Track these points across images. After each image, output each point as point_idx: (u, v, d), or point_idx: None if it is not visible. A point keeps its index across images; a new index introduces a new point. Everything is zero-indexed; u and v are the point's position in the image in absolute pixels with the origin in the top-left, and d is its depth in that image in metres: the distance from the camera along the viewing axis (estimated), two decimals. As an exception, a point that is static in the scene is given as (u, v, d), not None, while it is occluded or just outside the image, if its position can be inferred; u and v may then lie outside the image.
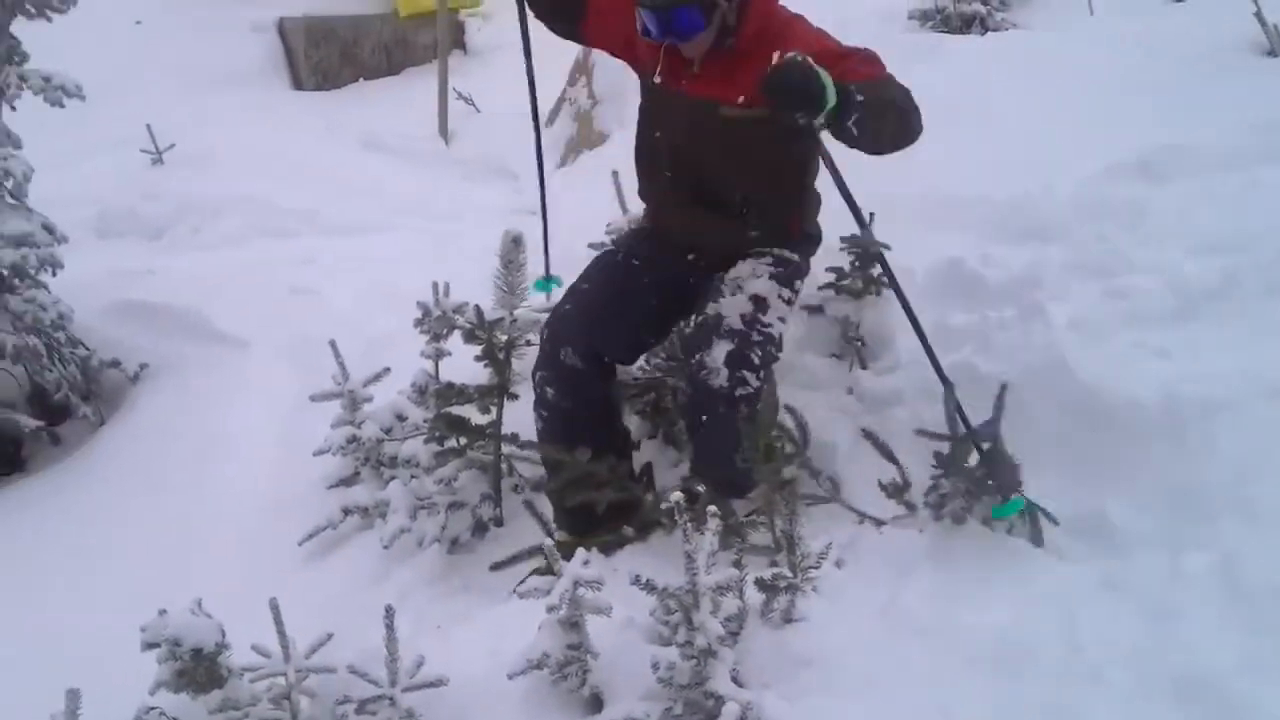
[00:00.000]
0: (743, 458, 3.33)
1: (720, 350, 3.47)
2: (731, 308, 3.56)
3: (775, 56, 3.05)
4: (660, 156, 3.77)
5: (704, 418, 3.55)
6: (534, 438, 3.88)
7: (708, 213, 3.75)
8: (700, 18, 3.41)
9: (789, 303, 3.70)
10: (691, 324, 3.76)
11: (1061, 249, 4.13)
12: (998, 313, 3.84)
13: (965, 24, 8.02)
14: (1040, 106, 5.33)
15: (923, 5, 8.30)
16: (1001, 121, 5.21)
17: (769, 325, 3.57)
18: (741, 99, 3.43)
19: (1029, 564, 2.99)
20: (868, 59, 3.42)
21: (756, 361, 3.48)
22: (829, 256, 4.15)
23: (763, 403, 3.45)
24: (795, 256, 3.80)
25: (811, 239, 3.96)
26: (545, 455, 3.79)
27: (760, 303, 3.57)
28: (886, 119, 3.24)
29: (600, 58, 8.30)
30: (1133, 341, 3.57)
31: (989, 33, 7.75)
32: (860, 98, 3.09)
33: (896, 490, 3.19)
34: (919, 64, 6.29)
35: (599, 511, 3.61)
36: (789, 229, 3.83)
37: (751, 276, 3.64)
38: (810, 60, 3.02)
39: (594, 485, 3.58)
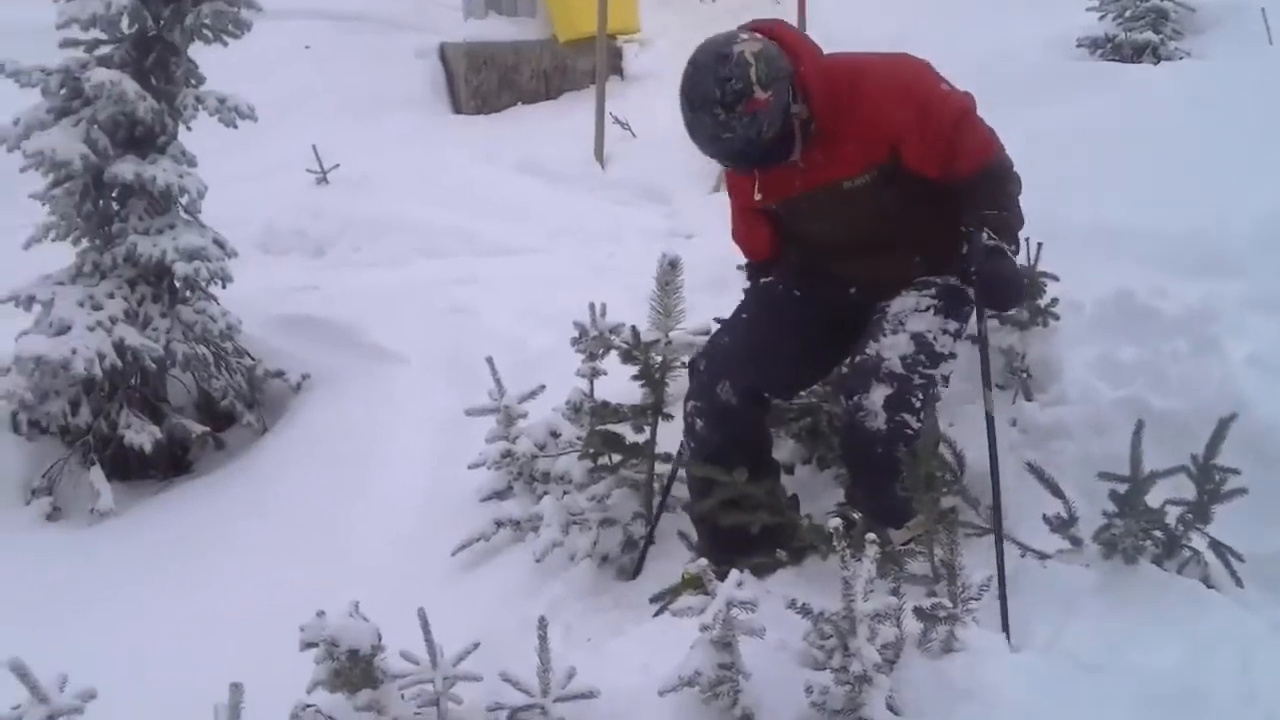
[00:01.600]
0: (902, 487, 3.27)
1: (879, 394, 3.36)
2: (891, 349, 3.43)
3: (965, 248, 3.34)
4: (805, 246, 3.79)
5: (861, 456, 3.50)
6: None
7: (867, 255, 3.67)
8: (783, 141, 3.41)
9: (955, 335, 3.56)
10: (850, 364, 3.62)
11: (1238, 283, 4.00)
12: (1170, 346, 3.71)
13: (1137, 52, 7.83)
14: (1216, 138, 5.17)
15: (1092, 33, 8.13)
16: (1175, 152, 5.07)
17: (931, 367, 3.45)
18: (857, 171, 3.46)
19: (1202, 606, 2.88)
20: (981, 133, 3.48)
21: (917, 405, 3.37)
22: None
23: (923, 438, 3.38)
24: (959, 283, 3.65)
25: None
26: (699, 475, 3.65)
27: (922, 342, 3.44)
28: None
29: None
30: (1314, 380, 3.42)
31: (1162, 62, 7.54)
32: (1014, 251, 3.42)
33: (1062, 525, 3.09)
34: (1089, 92, 6.20)
35: (752, 534, 3.53)
36: (951, 247, 3.71)
37: (914, 312, 3.50)
38: (1011, 256, 3.35)
39: (749, 508, 3.53)
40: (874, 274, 3.68)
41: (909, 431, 3.35)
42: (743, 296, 3.96)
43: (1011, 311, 3.52)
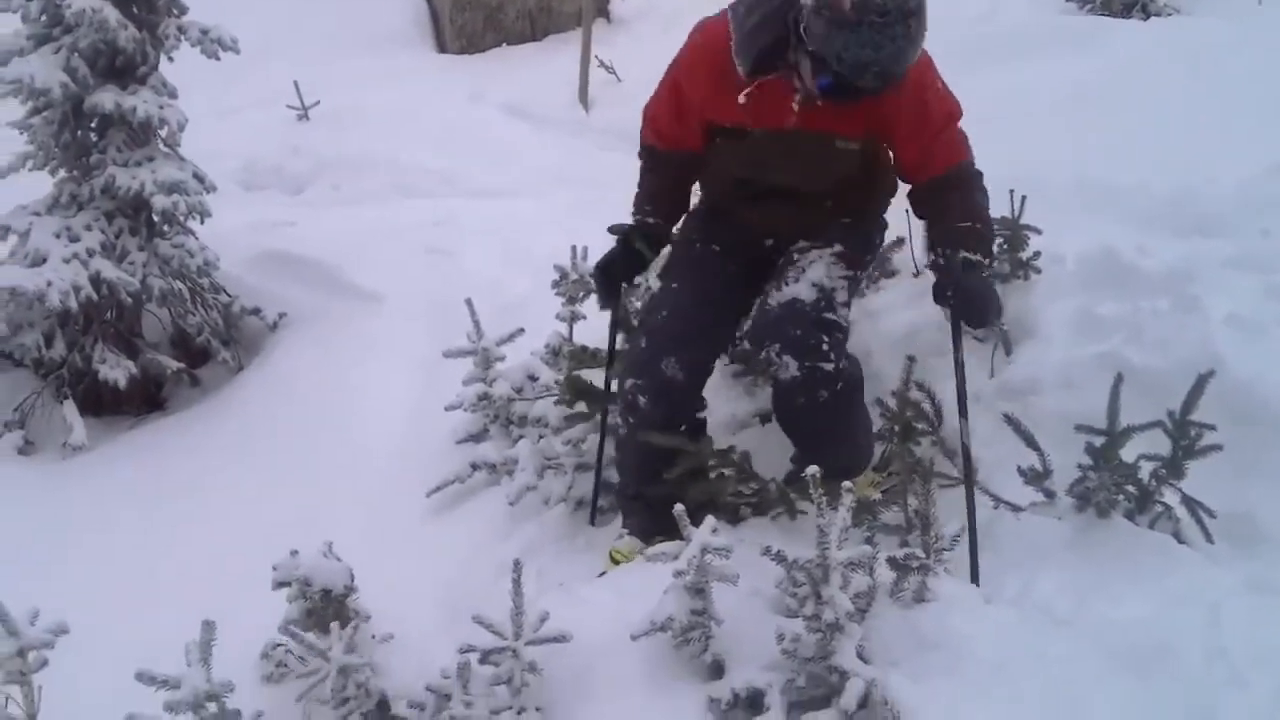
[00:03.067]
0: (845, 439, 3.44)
1: (784, 343, 3.36)
2: (791, 296, 3.42)
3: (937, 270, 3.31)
4: (752, 184, 3.63)
5: (787, 410, 3.51)
6: None
7: (790, 207, 3.62)
8: None
9: (853, 280, 3.60)
10: (754, 317, 3.61)
11: (1222, 243, 3.99)
12: (1151, 304, 3.71)
13: (1126, 8, 7.80)
14: (1205, 97, 5.17)
15: (1082, -13, 8.10)
16: (1163, 111, 5.06)
17: (831, 310, 3.42)
18: (857, 134, 3.40)
19: (1173, 561, 2.89)
20: (959, 139, 3.46)
21: (825, 348, 3.36)
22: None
23: (846, 383, 3.41)
24: (861, 246, 3.71)
25: (882, 224, 3.89)
26: (659, 446, 3.50)
27: (821, 289, 3.43)
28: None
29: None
30: (1293, 339, 3.43)
31: (1151, 18, 7.51)
32: (989, 264, 3.36)
33: (1036, 477, 3.10)
34: (1075, 49, 6.17)
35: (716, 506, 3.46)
36: (867, 213, 3.78)
37: (815, 261, 3.51)
38: (986, 273, 3.30)
39: (707, 479, 3.50)
40: (795, 228, 3.65)
41: (825, 373, 3.36)
42: (669, 261, 3.83)
43: (983, 329, 3.47)
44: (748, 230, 3.72)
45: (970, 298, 3.25)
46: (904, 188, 3.63)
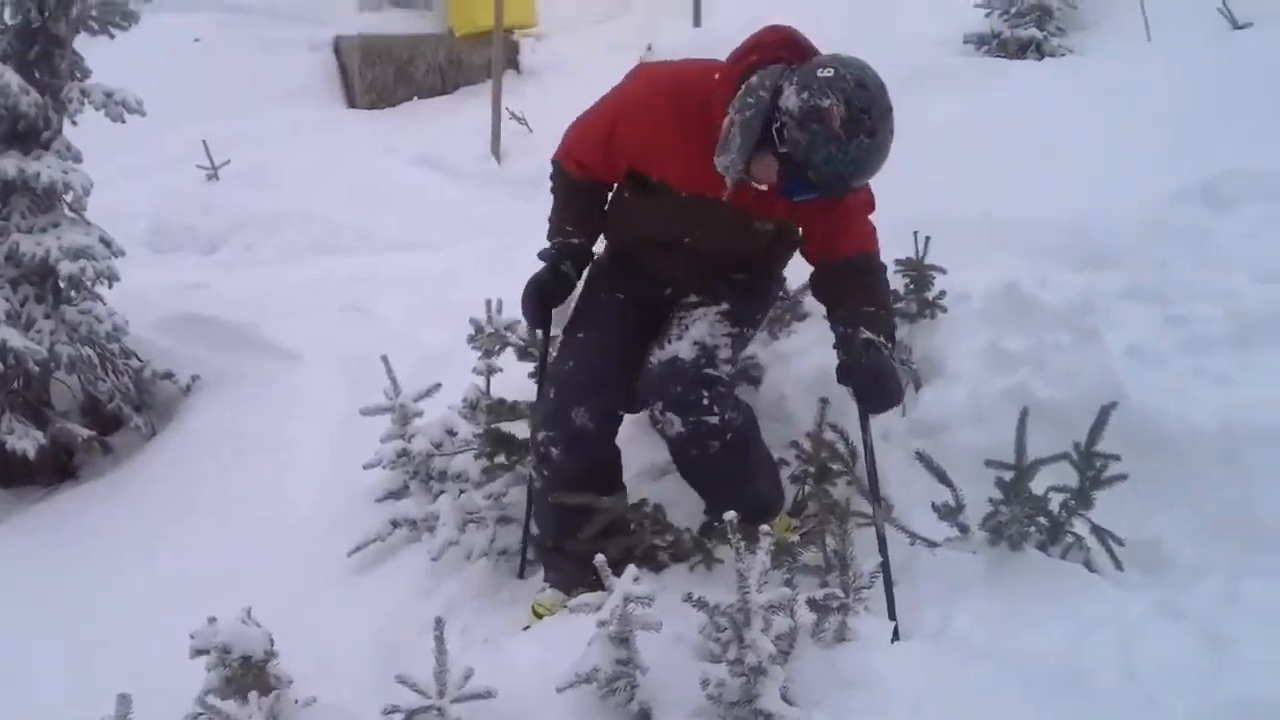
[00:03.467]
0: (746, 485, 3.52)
1: (666, 401, 3.42)
2: (671, 354, 3.47)
3: (840, 349, 3.32)
4: (661, 239, 3.63)
5: (682, 463, 3.59)
6: None
7: (693, 260, 3.62)
8: None
9: (737, 338, 3.60)
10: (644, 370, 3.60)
11: (1120, 275, 4.08)
12: (1053, 337, 3.80)
13: (1021, 49, 7.96)
14: (1099, 132, 5.29)
15: (979, 30, 8.27)
16: (1060, 146, 5.18)
17: (712, 366, 3.47)
18: (775, 216, 3.46)
19: (1085, 589, 2.96)
20: (870, 230, 3.50)
21: (706, 402, 3.41)
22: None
23: (735, 433, 3.46)
24: (754, 303, 3.76)
25: (780, 278, 3.99)
26: (572, 504, 3.52)
27: (703, 347, 3.48)
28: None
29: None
30: (1192, 368, 3.53)
31: (1046, 58, 7.70)
32: (889, 344, 3.35)
33: (950, 512, 3.15)
34: (975, 89, 6.31)
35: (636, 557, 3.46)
36: (768, 269, 3.82)
37: (701, 319, 3.55)
38: (888, 353, 3.30)
39: (625, 530, 3.53)
40: (695, 279, 3.67)
41: (710, 426, 3.41)
42: (576, 311, 3.82)
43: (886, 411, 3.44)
44: (650, 276, 3.73)
45: (872, 381, 3.27)
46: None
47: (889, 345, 3.31)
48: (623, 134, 3.49)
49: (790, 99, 3.08)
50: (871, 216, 3.50)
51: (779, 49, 3.29)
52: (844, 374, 3.30)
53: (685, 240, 3.57)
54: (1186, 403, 3.38)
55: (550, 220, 3.77)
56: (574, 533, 3.52)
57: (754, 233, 3.51)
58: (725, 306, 3.58)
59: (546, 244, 3.70)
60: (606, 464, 3.67)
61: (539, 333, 3.95)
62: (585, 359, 3.63)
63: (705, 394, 3.41)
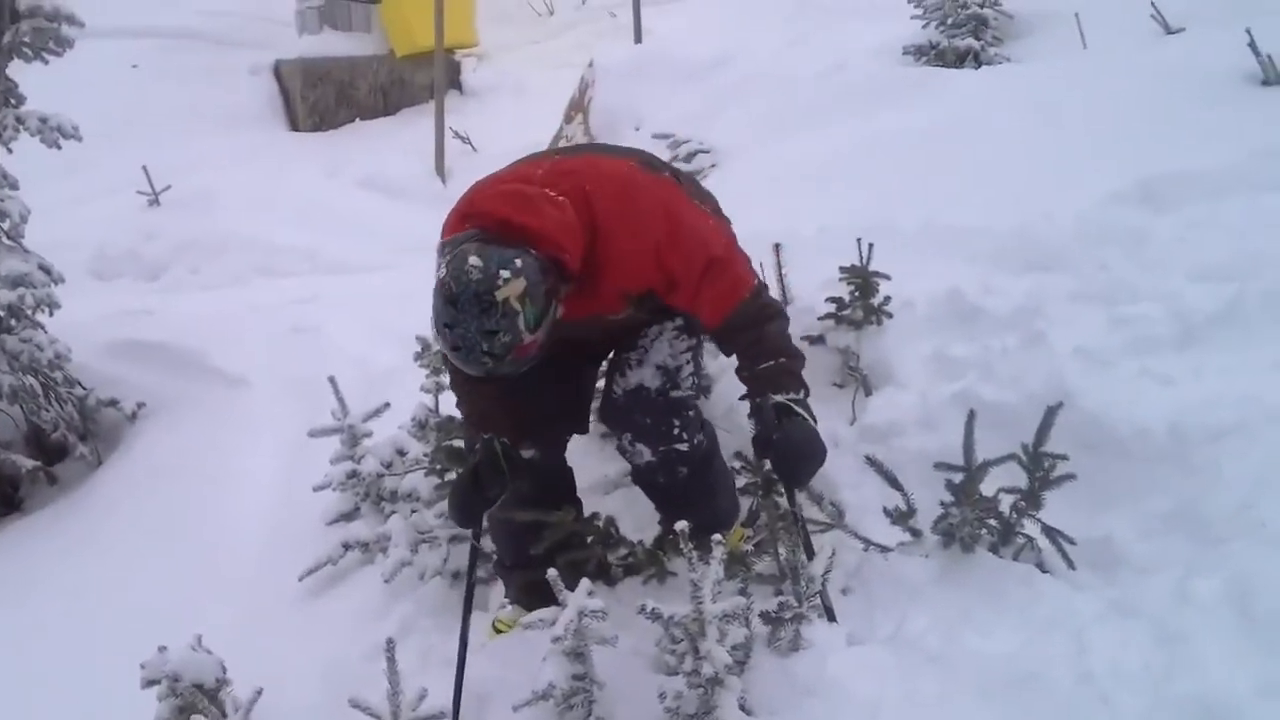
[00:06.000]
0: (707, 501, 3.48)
1: (636, 432, 3.37)
2: (636, 383, 3.36)
3: (754, 418, 3.10)
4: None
5: (650, 489, 3.57)
6: None
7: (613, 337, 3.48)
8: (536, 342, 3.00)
9: (694, 347, 3.45)
10: (603, 406, 3.54)
11: (1063, 278, 4.13)
12: (1000, 341, 3.83)
13: (959, 59, 8.06)
14: (1038, 138, 5.36)
15: (916, 41, 8.36)
16: (1000, 153, 5.24)
17: (678, 388, 3.38)
18: (619, 310, 3.25)
19: (1037, 590, 2.96)
20: (729, 279, 3.20)
21: (677, 429, 3.36)
22: (829, 287, 4.15)
23: (703, 454, 3.44)
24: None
25: None
26: (523, 520, 3.40)
27: (665, 370, 3.36)
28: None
29: (597, 95, 8.36)
30: (1137, 369, 3.56)
31: (983, 67, 7.79)
32: (804, 396, 3.13)
33: (902, 517, 3.16)
34: (916, 99, 6.37)
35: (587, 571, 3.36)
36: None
37: (654, 341, 3.39)
38: (812, 425, 3.07)
39: (578, 544, 3.46)
40: (609, 341, 3.54)
41: (681, 452, 3.38)
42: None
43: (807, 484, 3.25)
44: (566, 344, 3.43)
45: (788, 455, 3.08)
46: None
47: (802, 394, 3.13)
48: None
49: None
50: (735, 249, 3.30)
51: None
52: (761, 447, 3.14)
53: (579, 337, 3.37)
54: (1134, 403, 3.42)
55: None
56: (529, 547, 3.48)
57: (613, 324, 3.33)
58: (679, 321, 3.42)
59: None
60: (559, 482, 3.63)
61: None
62: (519, 403, 3.36)
63: (675, 421, 3.36)
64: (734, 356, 3.26)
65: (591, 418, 3.73)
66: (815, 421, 3.11)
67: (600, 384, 3.72)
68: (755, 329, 3.19)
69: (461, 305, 2.81)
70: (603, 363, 3.64)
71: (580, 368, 3.61)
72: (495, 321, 2.82)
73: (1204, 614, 2.75)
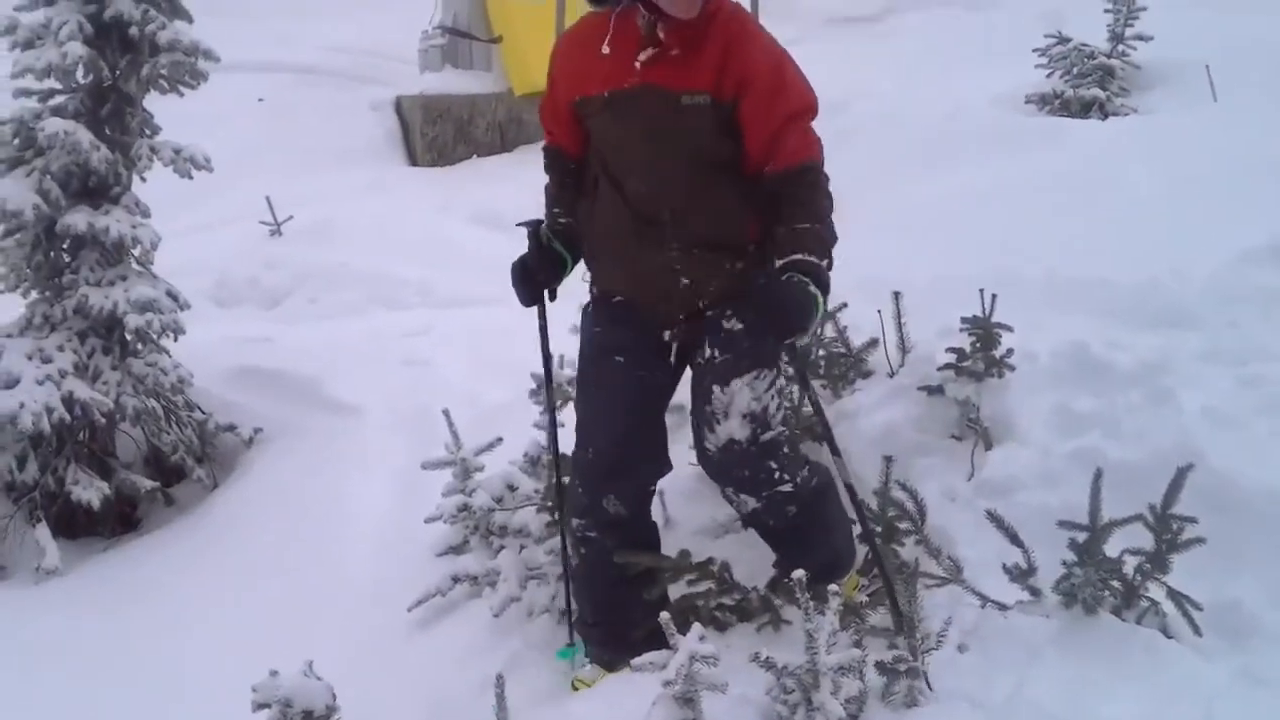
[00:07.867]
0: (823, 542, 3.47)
1: (736, 484, 3.40)
2: (727, 437, 3.34)
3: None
4: (613, 174, 3.43)
5: (760, 530, 3.59)
6: None
7: (640, 243, 3.40)
8: None
9: (774, 383, 3.40)
10: (699, 458, 3.53)
11: (1192, 335, 4.04)
12: (1125, 398, 3.74)
13: (1084, 108, 7.96)
14: (1167, 190, 5.26)
15: (1040, 90, 8.26)
16: (1127, 205, 5.15)
17: (769, 430, 3.36)
18: (700, 86, 3.23)
19: (1163, 657, 2.88)
20: (812, 135, 3.31)
21: (776, 472, 3.36)
22: (948, 336, 4.09)
23: (812, 491, 3.44)
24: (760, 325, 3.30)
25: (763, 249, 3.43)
26: (636, 563, 3.46)
27: (754, 417, 3.33)
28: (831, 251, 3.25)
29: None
30: (1268, 429, 3.47)
31: (1109, 117, 7.67)
32: (826, 266, 3.17)
33: (1021, 575, 3.09)
34: (1039, 147, 6.29)
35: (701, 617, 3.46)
36: (746, 254, 3.43)
37: (736, 390, 3.34)
38: (804, 281, 3.07)
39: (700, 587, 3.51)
40: (686, 302, 3.43)
41: (786, 493, 3.37)
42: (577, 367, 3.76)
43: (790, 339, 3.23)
44: (639, 319, 3.52)
45: (769, 303, 3.11)
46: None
47: (824, 263, 3.16)
48: (557, 76, 3.56)
49: None
50: (815, 124, 3.34)
51: None
52: (753, 293, 3.18)
53: (633, 159, 3.37)
54: (1265, 464, 3.32)
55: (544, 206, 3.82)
56: (618, 604, 3.50)
57: (685, 111, 3.24)
58: (747, 361, 3.35)
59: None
60: (645, 540, 3.64)
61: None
62: (603, 447, 3.52)
63: (772, 464, 3.36)
64: (773, 223, 3.27)
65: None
66: (825, 293, 3.13)
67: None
68: (810, 190, 3.25)
69: None
70: (669, 368, 3.58)
71: (660, 384, 3.59)
72: None
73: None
